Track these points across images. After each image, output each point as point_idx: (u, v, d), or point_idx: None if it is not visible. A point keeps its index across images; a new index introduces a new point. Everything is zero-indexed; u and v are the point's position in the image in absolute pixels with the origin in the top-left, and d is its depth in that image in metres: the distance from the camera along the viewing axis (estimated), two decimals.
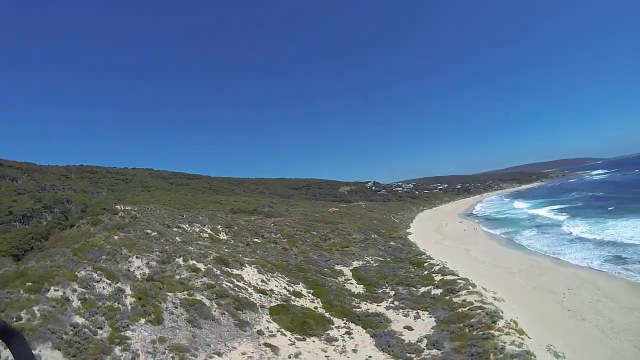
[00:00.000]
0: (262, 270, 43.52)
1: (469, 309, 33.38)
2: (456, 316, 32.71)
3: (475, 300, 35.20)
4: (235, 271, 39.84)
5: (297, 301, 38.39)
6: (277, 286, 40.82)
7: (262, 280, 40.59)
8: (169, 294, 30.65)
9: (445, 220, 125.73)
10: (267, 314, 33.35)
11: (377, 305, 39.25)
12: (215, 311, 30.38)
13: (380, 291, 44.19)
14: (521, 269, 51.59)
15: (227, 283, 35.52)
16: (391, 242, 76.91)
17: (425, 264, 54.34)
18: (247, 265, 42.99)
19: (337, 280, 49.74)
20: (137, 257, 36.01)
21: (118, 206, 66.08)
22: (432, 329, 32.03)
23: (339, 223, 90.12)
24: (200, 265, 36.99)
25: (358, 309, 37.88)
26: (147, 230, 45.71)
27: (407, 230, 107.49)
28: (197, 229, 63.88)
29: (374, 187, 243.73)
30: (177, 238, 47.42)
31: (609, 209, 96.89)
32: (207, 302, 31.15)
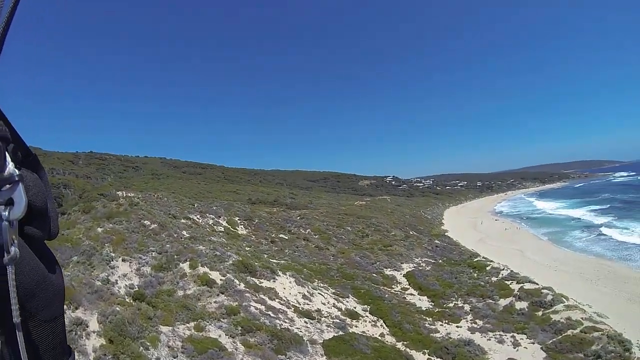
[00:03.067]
0: (301, 280, 31.48)
1: (581, 331, 26.72)
2: (569, 342, 25.86)
3: (582, 319, 28.53)
4: (265, 283, 27.57)
5: (356, 326, 27.53)
6: (324, 303, 29.13)
7: (304, 296, 28.52)
8: (164, 328, 18.32)
9: (478, 218, 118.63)
10: (320, 354, 21.44)
11: (457, 327, 30.76)
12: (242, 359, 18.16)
13: (451, 305, 35.93)
14: (597, 275, 46.29)
15: (256, 304, 23.13)
16: (436, 241, 68.63)
17: (487, 268, 46.77)
18: (280, 272, 30.71)
19: (393, 290, 40.19)
20: (123, 261, 24.72)
21: (119, 192, 54.70)
22: None
23: (372, 217, 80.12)
24: (216, 275, 24.76)
25: (437, 334, 29.18)
26: (145, 222, 33.86)
27: (442, 228, 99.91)
28: (211, 221, 52.37)
29: (393, 182, 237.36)
30: (184, 232, 35.28)
31: None
32: (229, 344, 18.80)
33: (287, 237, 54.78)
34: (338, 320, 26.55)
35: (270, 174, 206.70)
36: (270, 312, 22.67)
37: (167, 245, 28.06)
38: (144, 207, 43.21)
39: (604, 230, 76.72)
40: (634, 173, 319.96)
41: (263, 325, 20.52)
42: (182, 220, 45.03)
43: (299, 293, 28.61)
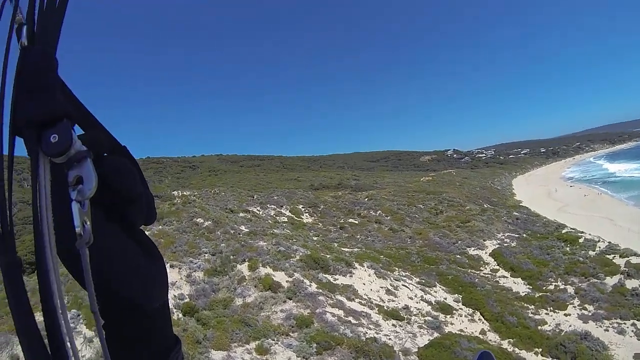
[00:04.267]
0: (381, 271, 26.96)
1: None
2: None
3: None
4: (340, 279, 23.06)
5: (451, 323, 23.02)
6: (411, 297, 24.51)
7: (387, 290, 23.95)
8: (217, 354, 14.03)
9: (550, 185, 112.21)
10: None
11: (565, 315, 26.09)
12: None
13: (551, 287, 31.21)
14: None
15: (332, 309, 18.54)
16: (515, 213, 62.79)
17: (580, 240, 41.66)
18: (356, 264, 26.17)
19: (482, 273, 35.67)
20: (171, 267, 20.73)
21: (175, 192, 52.15)
22: None
23: (442, 192, 75.12)
24: (281, 276, 20.44)
25: (545, 327, 24.64)
26: (198, 219, 30.20)
27: (515, 198, 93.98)
28: (272, 212, 48.57)
29: (455, 155, 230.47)
30: (243, 227, 31.33)
31: None
32: None
33: (357, 222, 50.52)
34: (430, 318, 21.98)
35: (330, 159, 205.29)
36: (351, 318, 18.16)
37: (222, 245, 24.01)
38: (198, 203, 39.88)
39: None
40: None
41: (344, 338, 16.00)
42: (241, 214, 41.47)
43: (381, 288, 24.06)
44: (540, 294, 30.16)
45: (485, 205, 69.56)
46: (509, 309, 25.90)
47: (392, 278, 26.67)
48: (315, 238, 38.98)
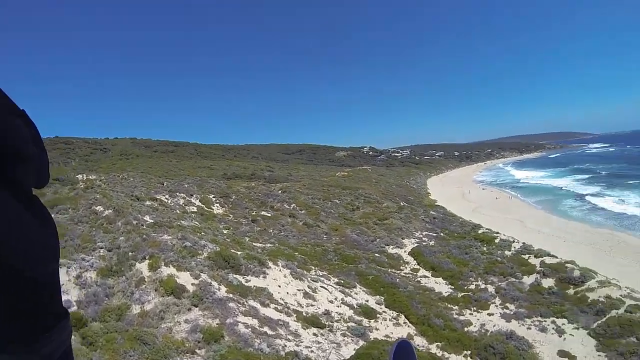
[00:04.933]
0: (297, 271, 24.74)
1: (626, 311, 24.10)
2: (616, 325, 23.18)
3: (621, 297, 26.16)
4: (253, 281, 20.49)
5: (376, 328, 21.67)
6: (331, 301, 22.58)
7: (306, 293, 21.82)
8: None
9: (463, 187, 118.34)
10: None
11: (488, 315, 26.95)
12: None
13: (472, 287, 31.85)
14: (610, 245, 45.52)
15: (245, 319, 15.92)
16: (431, 212, 63.05)
17: (496, 241, 42.85)
18: (270, 263, 23.69)
19: (403, 273, 35.11)
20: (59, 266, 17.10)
21: (80, 175, 47.96)
22: (597, 351, 22.43)
23: (358, 188, 74.72)
24: (185, 277, 17.46)
25: (471, 328, 25.22)
26: (97, 207, 26.75)
27: (431, 198, 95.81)
28: (182, 201, 45.36)
29: (371, 152, 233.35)
30: (147, 217, 28.11)
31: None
32: None
33: (270, 215, 48.11)
34: (354, 324, 20.12)
35: (245, 148, 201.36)
36: (266, 328, 15.73)
37: (121, 238, 20.79)
38: (101, 189, 36.18)
39: (596, 199, 77.78)
40: (607, 144, 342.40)
41: (260, 355, 13.58)
42: (147, 203, 38.06)
43: (299, 290, 21.84)
44: (463, 293, 30.28)
45: (402, 203, 69.71)
46: (434, 311, 25.44)
47: (309, 279, 24.61)
48: (225, 231, 36.31)
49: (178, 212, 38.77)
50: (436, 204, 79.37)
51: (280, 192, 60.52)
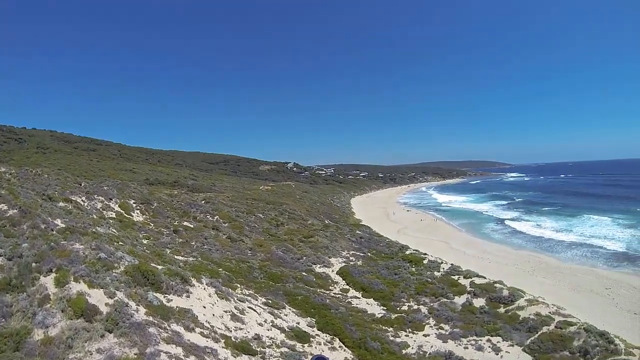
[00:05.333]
0: (222, 289, 22.72)
1: (556, 327, 25.81)
2: (549, 340, 24.66)
3: (550, 313, 27.68)
4: (176, 301, 18.05)
5: (311, 354, 19.77)
6: (260, 324, 20.70)
7: (233, 315, 19.73)
8: None
9: (388, 208, 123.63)
10: None
11: (424, 336, 27.26)
12: None
13: (405, 307, 32.19)
14: (532, 266, 50.02)
15: (168, 347, 13.38)
16: (357, 232, 63.21)
17: (424, 262, 43.64)
18: (194, 280, 21.43)
19: (333, 293, 34.46)
20: None
21: None
22: None
23: (282, 204, 73.88)
24: (98, 295, 14.68)
25: (409, 350, 24.99)
26: (1, 205, 23.73)
27: (356, 217, 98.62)
28: (99, 205, 42.05)
29: (295, 169, 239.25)
30: (59, 221, 25.19)
31: (556, 208, 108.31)
32: None
33: (192, 226, 45.69)
34: (287, 349, 18.32)
35: (169, 154, 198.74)
36: (192, 358, 13.70)
37: (25, 245, 17.85)
38: (8, 184, 32.83)
39: (516, 224, 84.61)
40: (523, 174, 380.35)
41: None
42: (60, 204, 34.74)
43: (226, 312, 19.77)
44: (396, 315, 30.14)
45: (326, 221, 69.67)
46: (369, 334, 24.63)
47: (235, 298, 22.64)
48: (145, 242, 33.64)
49: (95, 217, 35.70)
50: (361, 223, 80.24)
51: (203, 202, 58.19)
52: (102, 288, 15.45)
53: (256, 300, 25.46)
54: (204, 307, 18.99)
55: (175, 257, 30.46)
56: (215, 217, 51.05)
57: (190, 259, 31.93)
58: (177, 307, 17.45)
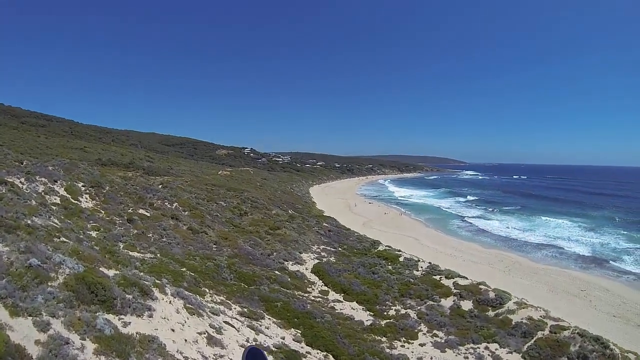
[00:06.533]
0: (192, 301, 18.15)
1: (550, 332, 25.00)
2: (546, 346, 23.69)
3: (542, 317, 27.06)
4: (134, 324, 13.20)
5: None
6: (241, 344, 16.34)
7: (209, 338, 15.25)
8: None
9: (348, 199, 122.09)
10: None
11: (420, 345, 25.36)
12: None
13: (391, 312, 30.23)
14: (506, 266, 49.89)
15: None
16: (324, 224, 60.02)
17: (400, 259, 41.45)
18: (156, 292, 16.53)
19: (313, 297, 31.20)
20: None
21: None
22: None
23: (244, 191, 69.60)
24: (25, 328, 9.76)
25: None
26: None
27: (317, 207, 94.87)
28: (41, 188, 36.58)
29: (252, 154, 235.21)
30: None
31: (517, 207, 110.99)
32: None
33: (149, 214, 40.81)
34: None
35: (124, 134, 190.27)
36: None
37: None
38: None
39: (480, 222, 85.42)
40: (477, 173, 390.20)
41: None
42: None
43: (200, 334, 15.23)
44: (385, 321, 28.23)
45: (290, 211, 66.55)
46: (364, 347, 22.50)
47: (208, 311, 18.20)
48: (94, 234, 28.62)
49: (34, 202, 30.31)
50: (324, 214, 76.76)
51: (160, 186, 53.36)
52: (31, 316, 10.64)
53: (230, 309, 21.20)
54: (173, 331, 14.41)
55: (130, 253, 25.87)
56: (174, 205, 46.24)
57: (148, 255, 27.35)
58: (137, 333, 12.85)
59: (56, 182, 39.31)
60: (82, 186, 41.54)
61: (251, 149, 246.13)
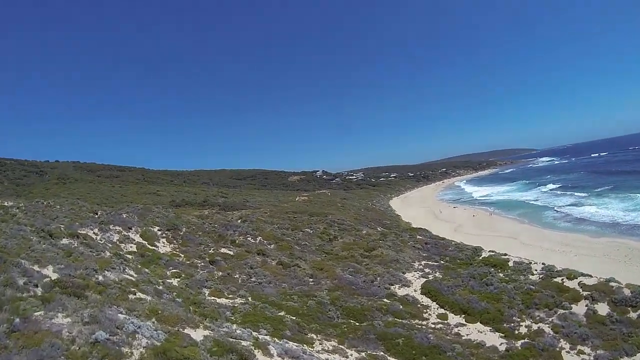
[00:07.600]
0: (301, 356, 14.14)
1: None
2: None
3: None
4: None
5: None
6: None
7: None
8: None
9: (431, 207, 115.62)
10: None
11: None
12: None
13: (523, 330, 25.77)
14: (623, 255, 43.48)
15: None
16: (418, 236, 53.81)
17: (509, 264, 36.80)
18: (259, 354, 12.66)
19: (432, 323, 27.10)
20: None
21: None
22: None
23: (327, 214, 65.69)
24: None
25: None
26: None
27: (404, 220, 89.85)
28: (116, 237, 34.31)
29: (325, 176, 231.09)
30: (49, 270, 17.25)
31: (609, 187, 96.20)
32: None
33: (232, 253, 37.74)
34: None
35: (194, 174, 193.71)
36: None
37: None
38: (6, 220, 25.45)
39: (575, 209, 76.21)
40: (553, 158, 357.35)
41: None
42: (63, 241, 27.52)
43: None
44: (519, 341, 23.98)
45: (379, 229, 62.22)
46: None
47: None
48: (175, 282, 25.47)
49: (107, 254, 27.51)
50: (413, 226, 72.66)
51: (240, 221, 50.33)
52: None
53: (347, 357, 17.17)
54: None
55: (218, 300, 22.45)
56: (258, 239, 43.07)
57: (238, 300, 23.84)
58: None
59: (131, 229, 37.09)
60: (158, 230, 39.19)
61: (323, 171, 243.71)
